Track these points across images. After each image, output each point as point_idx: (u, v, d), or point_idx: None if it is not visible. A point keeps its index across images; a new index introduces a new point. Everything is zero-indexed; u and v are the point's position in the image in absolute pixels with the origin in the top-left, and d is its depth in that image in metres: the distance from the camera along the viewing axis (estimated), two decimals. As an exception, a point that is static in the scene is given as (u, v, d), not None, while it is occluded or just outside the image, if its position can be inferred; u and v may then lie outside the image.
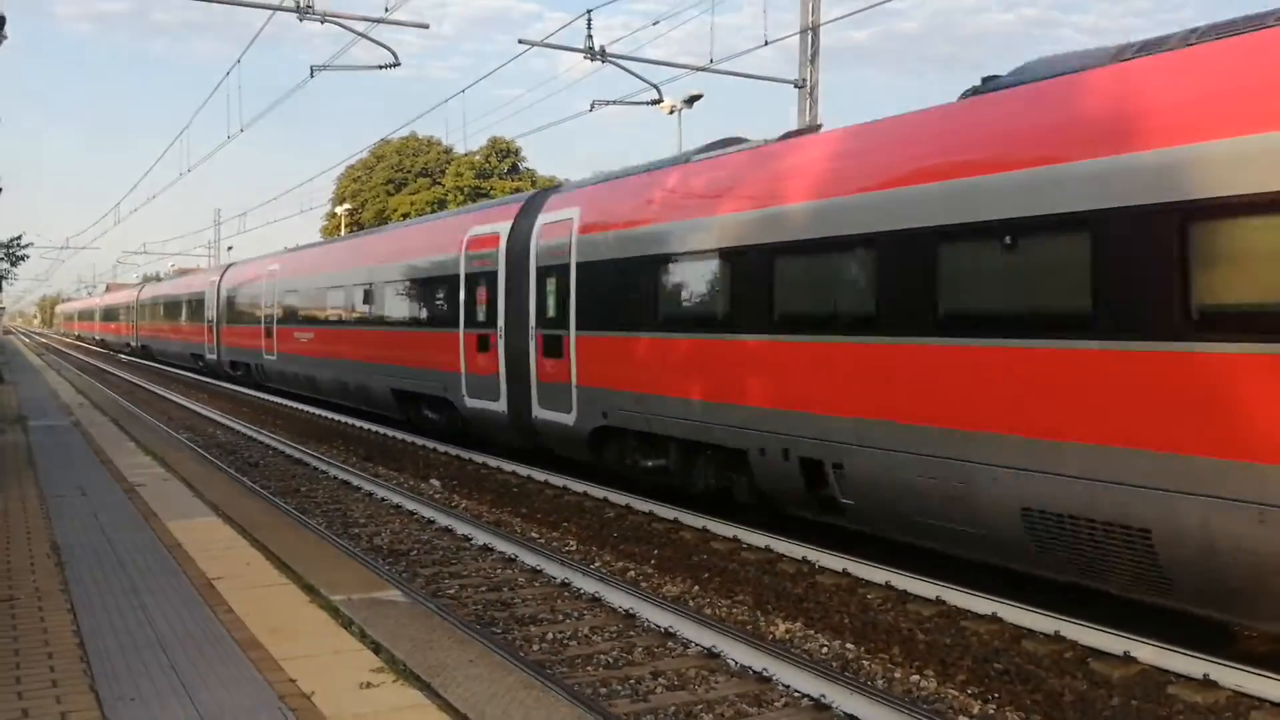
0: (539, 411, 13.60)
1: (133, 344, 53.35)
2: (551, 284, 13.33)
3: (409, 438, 18.51)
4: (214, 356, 33.83)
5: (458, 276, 15.99)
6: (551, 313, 13.28)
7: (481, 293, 15.24)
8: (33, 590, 6.64)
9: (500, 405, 14.64)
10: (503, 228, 14.96)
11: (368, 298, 20.03)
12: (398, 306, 18.66)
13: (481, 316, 15.20)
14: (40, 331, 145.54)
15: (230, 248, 67.61)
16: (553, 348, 13.23)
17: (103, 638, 5.66)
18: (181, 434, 19.10)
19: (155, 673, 5.11)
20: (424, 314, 17.55)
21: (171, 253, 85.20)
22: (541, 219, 13.89)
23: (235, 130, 25.86)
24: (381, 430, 19.84)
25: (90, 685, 4.92)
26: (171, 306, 41.73)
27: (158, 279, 60.89)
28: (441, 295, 16.65)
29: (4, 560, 7.45)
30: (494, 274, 14.89)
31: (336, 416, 22.46)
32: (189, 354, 37.95)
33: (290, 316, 25.31)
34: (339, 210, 62.94)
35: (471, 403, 15.52)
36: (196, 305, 36.37)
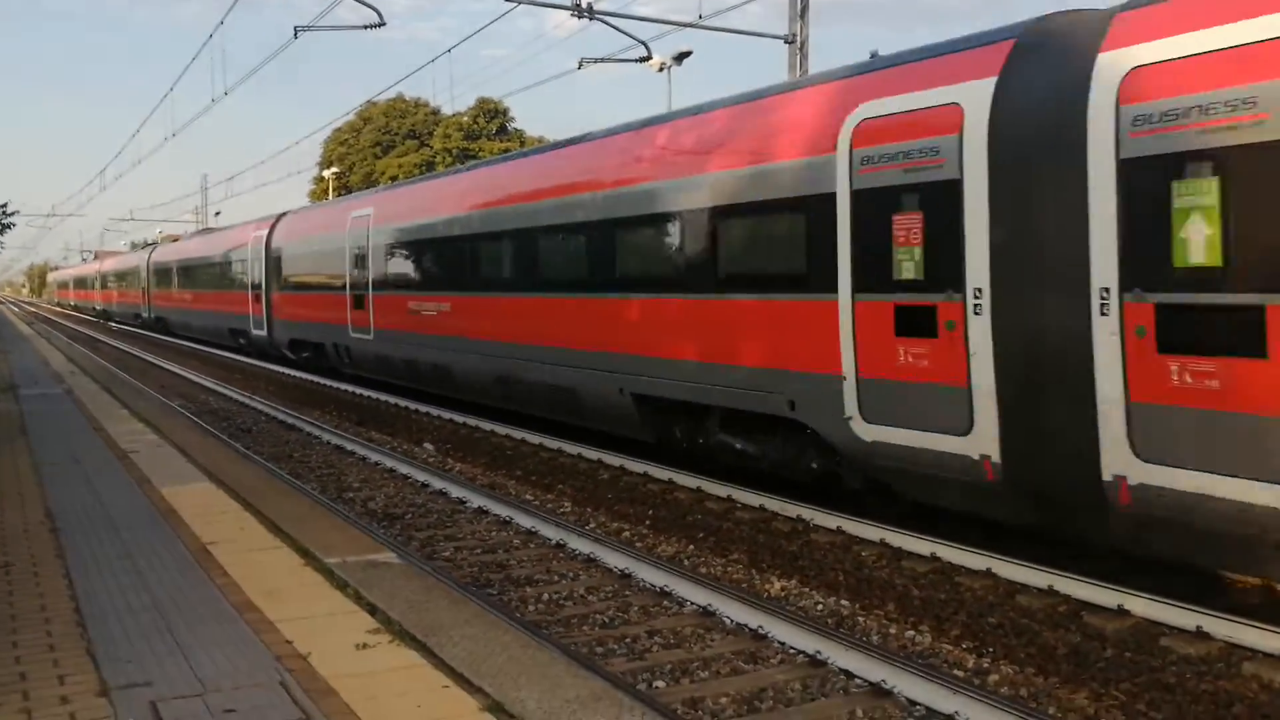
0: (1150, 475, 6.70)
1: (144, 315, 45.68)
2: (1205, 193, 6.38)
3: (402, 402, 18.47)
4: (262, 333, 26.22)
5: (826, 199, 8.85)
6: (1201, 255, 6.40)
7: (905, 225, 8.22)
8: (28, 557, 6.63)
9: (975, 446, 7.76)
10: (968, 93, 7.86)
11: (584, 246, 12.49)
12: (662, 258, 11.07)
13: (908, 270, 8.20)
14: (30, 301, 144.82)
15: (218, 213, 67.24)
16: (1222, 334, 6.37)
17: (99, 602, 5.66)
18: (174, 401, 19.06)
19: (152, 636, 5.11)
20: (731, 269, 10.13)
21: (158, 219, 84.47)
22: (1123, 58, 6.85)
23: (220, 94, 25.62)
24: (375, 395, 19.79)
25: (87, 649, 4.93)
26: (197, 269, 33.60)
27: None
28: (778, 234, 9.62)
29: (-2, 527, 7.45)
30: (948, 187, 7.89)
31: (330, 383, 22.36)
32: (225, 329, 30.41)
33: (400, 279, 17.86)
34: (326, 174, 62.57)
35: (880, 431, 8.52)
36: (235, 267, 28.52)
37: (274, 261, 25.10)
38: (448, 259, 16.11)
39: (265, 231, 26.00)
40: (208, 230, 40.73)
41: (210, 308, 32.08)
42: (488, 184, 15.65)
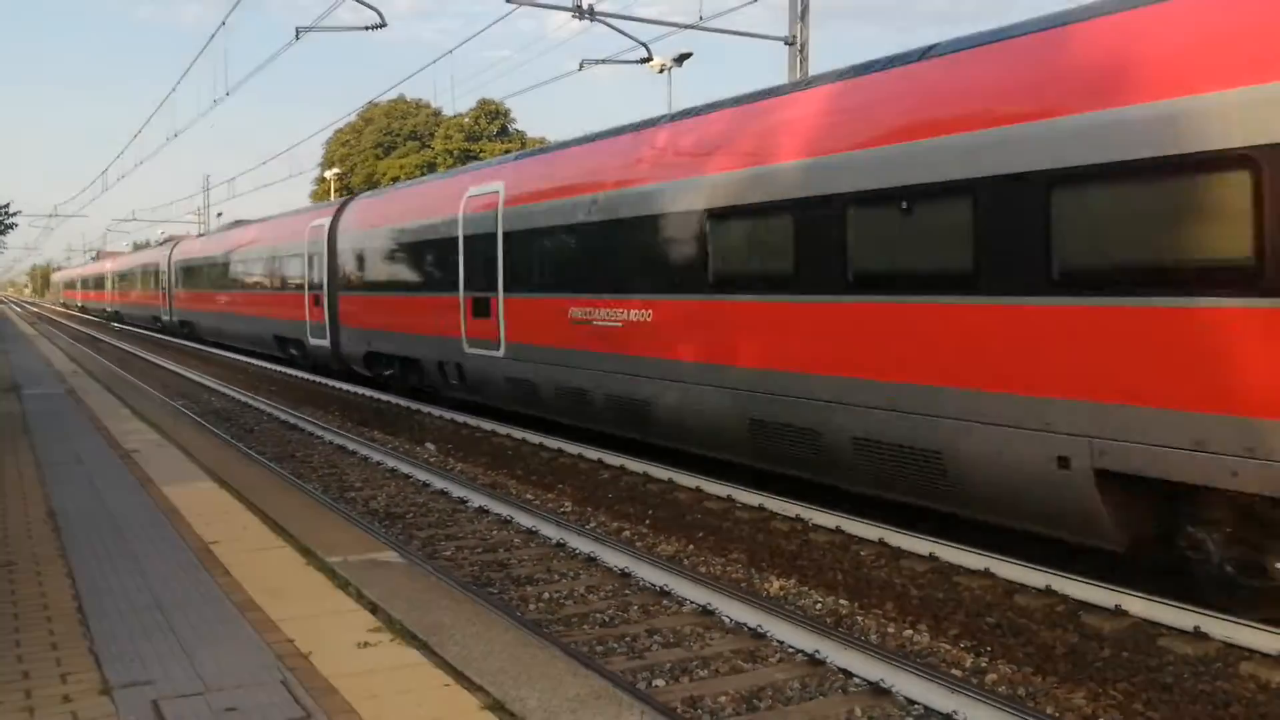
0: None
1: (165, 319, 40.74)
2: None
3: (404, 402, 18.49)
4: (323, 342, 21.91)
5: None
6: None
7: None
8: (30, 556, 6.65)
9: None
10: None
11: (971, 219, 7.65)
12: (1210, 233, 6.31)
13: None
14: (32, 301, 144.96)
15: (220, 214, 67.27)
16: None
17: (101, 601, 5.69)
18: (177, 401, 19.10)
19: (154, 635, 5.13)
20: None
21: (160, 220, 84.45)
22: None
23: (221, 94, 25.62)
24: (377, 395, 19.81)
25: (90, 648, 4.95)
26: (234, 266, 29.31)
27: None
28: None
29: (1, 527, 7.47)
30: None
31: (331, 383, 22.37)
32: (270, 336, 26.11)
33: (555, 276, 13.18)
34: (328, 175, 62.66)
35: None
36: (285, 263, 24.37)
37: (340, 256, 20.81)
38: (656, 247, 11.20)
39: (327, 220, 21.74)
40: (240, 222, 34.32)
41: (251, 311, 27.47)
42: (756, 130, 10.15)
